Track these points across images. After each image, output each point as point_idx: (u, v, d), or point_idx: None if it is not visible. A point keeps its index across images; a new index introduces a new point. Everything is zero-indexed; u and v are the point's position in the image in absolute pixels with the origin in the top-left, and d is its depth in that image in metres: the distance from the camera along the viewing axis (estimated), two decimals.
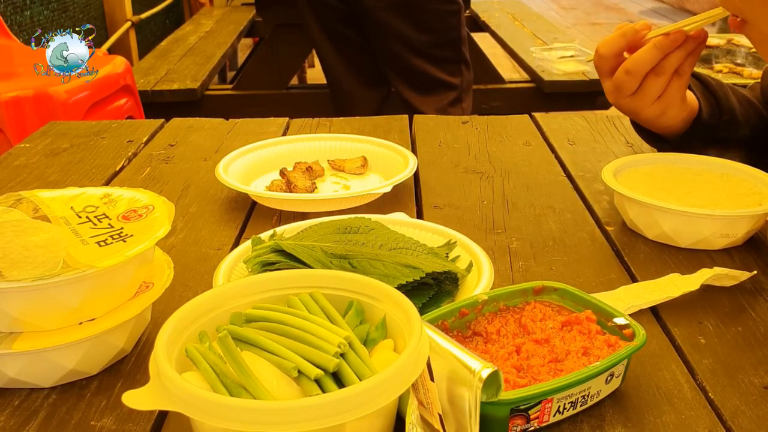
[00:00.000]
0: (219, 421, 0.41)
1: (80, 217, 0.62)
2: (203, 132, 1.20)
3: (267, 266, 0.67)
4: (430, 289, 0.66)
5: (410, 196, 0.94)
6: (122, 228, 0.61)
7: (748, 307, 0.68)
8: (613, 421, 0.54)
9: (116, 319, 0.58)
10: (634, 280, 0.73)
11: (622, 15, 7.41)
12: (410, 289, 0.65)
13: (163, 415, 0.55)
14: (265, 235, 0.73)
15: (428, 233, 0.76)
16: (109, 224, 0.61)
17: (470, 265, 0.70)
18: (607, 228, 0.84)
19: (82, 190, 0.67)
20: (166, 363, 0.45)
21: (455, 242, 0.74)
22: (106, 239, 0.59)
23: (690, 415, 0.54)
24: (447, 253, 0.72)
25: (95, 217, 0.63)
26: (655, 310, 0.68)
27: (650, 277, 0.73)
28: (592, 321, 0.59)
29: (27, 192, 0.66)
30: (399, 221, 0.78)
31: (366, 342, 0.51)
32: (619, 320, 0.58)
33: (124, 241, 0.59)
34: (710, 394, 0.57)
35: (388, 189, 0.89)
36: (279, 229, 0.75)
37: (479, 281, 0.66)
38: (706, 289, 0.70)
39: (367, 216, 0.76)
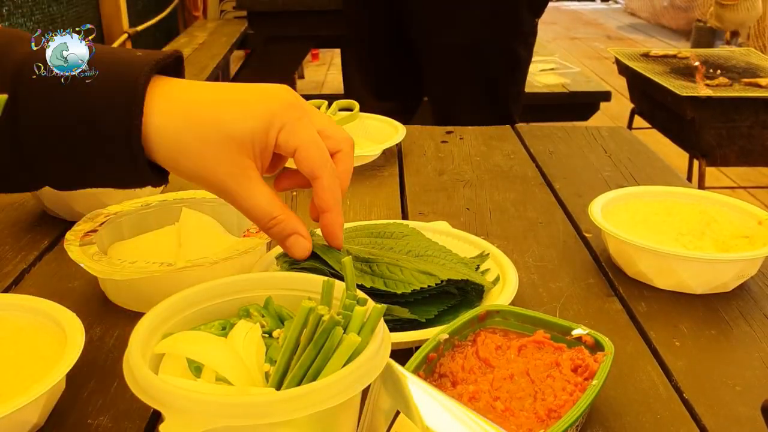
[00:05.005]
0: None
1: None
2: None
3: (294, 264, 0.66)
4: (451, 298, 0.66)
5: (396, 203, 0.97)
6: None
7: (721, 311, 0.70)
8: (591, 421, 0.55)
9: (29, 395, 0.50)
10: (612, 285, 0.75)
11: (600, 30, 7.50)
12: (429, 296, 0.64)
13: (157, 413, 0.55)
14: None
15: (466, 244, 0.76)
16: None
17: (497, 279, 0.70)
18: (586, 235, 0.87)
19: None
20: (144, 366, 0.45)
21: (488, 254, 0.74)
22: None
23: (666, 415, 0.56)
24: (478, 265, 0.72)
25: None
26: (631, 314, 0.70)
27: (625, 282, 0.75)
28: (547, 341, 0.58)
29: None
30: (438, 229, 0.79)
31: None
32: (578, 331, 0.58)
33: None
34: (685, 395, 0.58)
35: (378, 153, 1.11)
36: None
37: (501, 295, 0.66)
38: (681, 295, 0.73)
39: (405, 222, 0.78)
